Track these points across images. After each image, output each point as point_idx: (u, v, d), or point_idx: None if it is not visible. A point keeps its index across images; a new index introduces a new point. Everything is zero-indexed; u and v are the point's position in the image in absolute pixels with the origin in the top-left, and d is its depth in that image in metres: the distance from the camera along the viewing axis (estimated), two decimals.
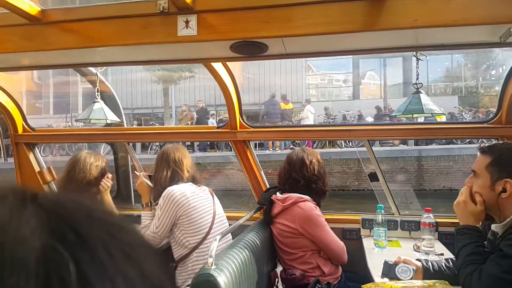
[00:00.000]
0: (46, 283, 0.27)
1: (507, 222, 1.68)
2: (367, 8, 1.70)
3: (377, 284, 1.89)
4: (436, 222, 2.57)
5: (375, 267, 2.16)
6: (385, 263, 2.00)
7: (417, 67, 2.41)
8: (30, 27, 1.99)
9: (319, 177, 2.63)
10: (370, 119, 15.31)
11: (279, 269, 2.63)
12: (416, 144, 13.44)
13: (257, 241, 2.30)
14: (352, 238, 2.95)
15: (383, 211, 2.66)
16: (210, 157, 14.00)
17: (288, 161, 2.69)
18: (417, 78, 2.41)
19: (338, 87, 24.78)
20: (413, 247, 2.57)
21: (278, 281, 2.51)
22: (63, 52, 2.11)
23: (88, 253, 0.29)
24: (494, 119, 2.72)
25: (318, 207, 2.58)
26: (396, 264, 1.97)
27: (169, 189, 2.46)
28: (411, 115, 2.45)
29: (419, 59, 2.33)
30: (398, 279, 1.91)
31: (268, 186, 3.09)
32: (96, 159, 2.66)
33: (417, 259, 2.04)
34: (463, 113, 15.39)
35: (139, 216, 2.71)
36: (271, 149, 13.81)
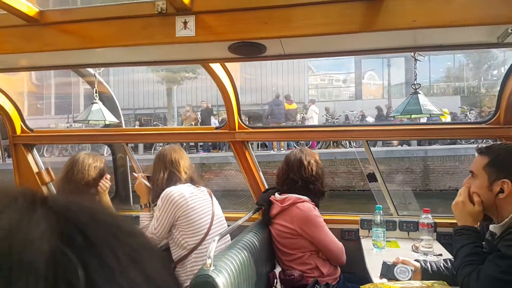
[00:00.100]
0: (55, 287, 0.26)
1: (505, 222, 1.69)
2: (365, 8, 1.70)
3: (375, 285, 1.89)
4: (435, 223, 2.57)
5: (373, 268, 2.16)
6: (384, 263, 2.01)
7: (415, 68, 2.41)
8: (28, 28, 1.99)
9: (317, 178, 2.62)
10: (370, 119, 15.31)
11: (277, 270, 2.63)
12: (419, 144, 13.41)
13: (256, 242, 2.30)
14: (351, 238, 2.95)
15: (381, 211, 2.66)
16: (215, 158, 14.01)
17: (286, 161, 2.69)
18: (415, 79, 2.41)
19: (338, 87, 24.75)
20: (412, 247, 2.57)
21: (276, 282, 2.51)
22: (61, 53, 2.11)
23: (96, 257, 0.29)
24: (492, 120, 2.72)
25: (316, 208, 2.58)
26: (394, 264, 1.97)
27: (168, 190, 2.46)
28: (409, 116, 2.45)
29: (417, 59, 2.34)
30: (397, 279, 1.91)
31: (267, 187, 3.09)
32: (95, 160, 2.66)
33: (415, 260, 2.05)
34: (468, 113, 15.35)
35: (137, 217, 2.72)
36: (275, 150, 13.83)
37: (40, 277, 0.26)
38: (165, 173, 2.56)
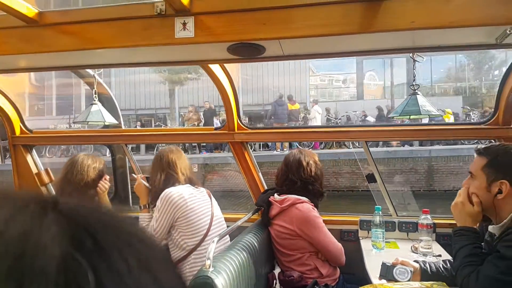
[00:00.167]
0: None
1: (504, 223, 1.68)
2: (364, 10, 1.70)
3: (375, 285, 1.89)
4: (434, 223, 2.56)
5: (373, 269, 2.15)
6: (383, 264, 2.00)
7: (413, 69, 2.42)
8: (28, 29, 2.00)
9: (316, 179, 2.62)
10: (371, 119, 15.30)
11: (277, 270, 2.63)
12: (421, 145, 13.38)
13: (255, 243, 2.30)
14: (350, 239, 2.94)
15: (381, 212, 2.65)
16: (218, 158, 14.00)
17: (285, 162, 2.69)
18: (414, 80, 2.41)
19: (338, 88, 24.72)
20: (411, 248, 2.56)
21: (276, 283, 2.51)
22: (60, 54, 2.11)
23: (106, 261, 0.29)
24: (491, 120, 2.72)
25: (315, 209, 2.58)
26: (394, 265, 1.97)
27: (167, 191, 2.46)
28: (408, 117, 2.45)
29: (416, 60, 2.34)
30: (396, 280, 1.91)
31: (265, 188, 3.09)
32: (94, 161, 2.66)
33: (415, 261, 2.04)
34: (471, 113, 15.31)
35: (137, 218, 2.71)
36: (278, 150, 13.83)
37: (51, 282, 0.26)
38: (162, 175, 2.56)
